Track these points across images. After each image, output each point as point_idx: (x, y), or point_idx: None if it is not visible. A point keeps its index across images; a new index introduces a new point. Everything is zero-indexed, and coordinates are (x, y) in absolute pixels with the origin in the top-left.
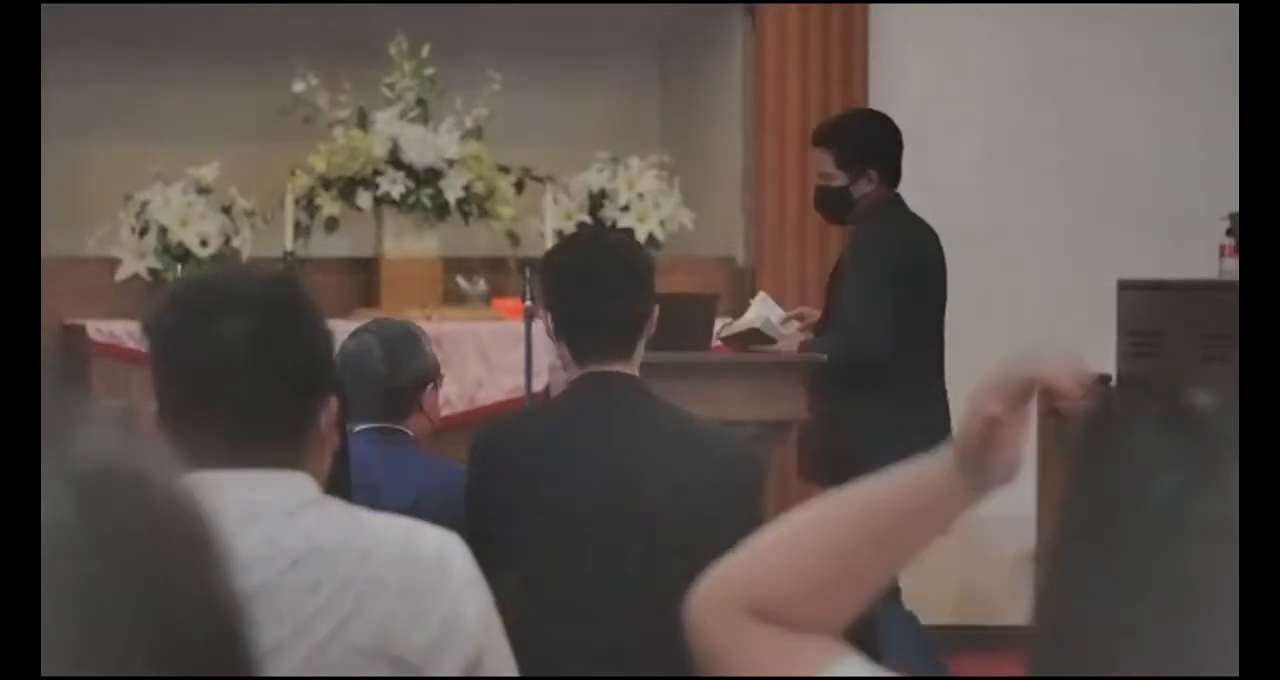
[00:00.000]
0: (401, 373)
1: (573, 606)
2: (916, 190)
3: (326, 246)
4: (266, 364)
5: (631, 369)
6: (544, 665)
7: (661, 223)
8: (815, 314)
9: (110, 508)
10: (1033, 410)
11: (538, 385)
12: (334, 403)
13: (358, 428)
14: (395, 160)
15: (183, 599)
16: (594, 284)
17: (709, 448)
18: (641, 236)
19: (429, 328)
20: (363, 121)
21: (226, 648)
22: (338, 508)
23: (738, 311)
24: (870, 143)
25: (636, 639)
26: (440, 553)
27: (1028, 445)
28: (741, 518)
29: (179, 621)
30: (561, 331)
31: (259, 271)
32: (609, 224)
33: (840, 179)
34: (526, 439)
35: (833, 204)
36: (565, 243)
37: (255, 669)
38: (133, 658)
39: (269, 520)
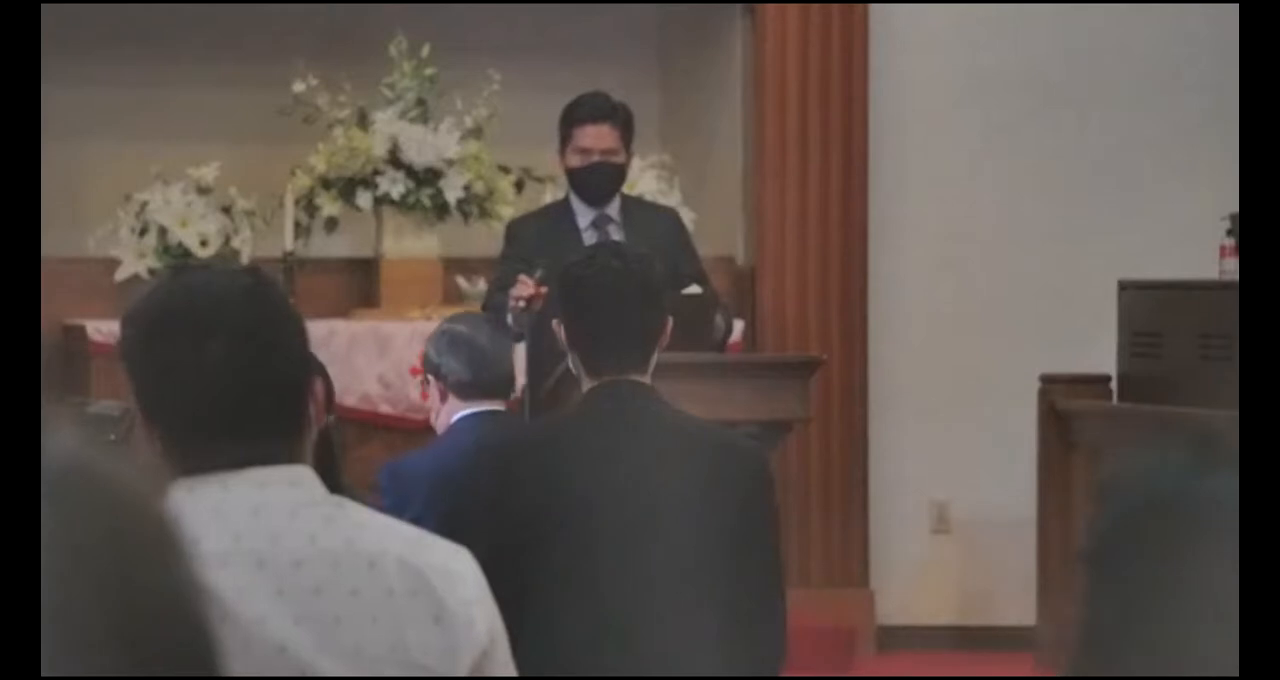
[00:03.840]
0: (510, 355)
1: (602, 613)
2: (917, 189)
3: (326, 246)
4: (248, 364)
5: (644, 378)
6: (566, 669)
7: None
8: None
9: (72, 508)
10: (1033, 409)
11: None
12: (319, 385)
13: (475, 410)
14: (395, 160)
15: (144, 598)
16: (609, 302)
17: (720, 454)
18: None
19: (429, 328)
20: (363, 121)
21: (188, 645)
22: (340, 508)
23: (739, 312)
24: (634, 129)
25: (657, 642)
26: (449, 563)
27: (1028, 447)
28: (754, 523)
29: (140, 620)
30: (575, 345)
31: (222, 269)
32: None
33: (622, 156)
34: (544, 450)
35: (616, 181)
36: (582, 258)
37: (219, 668)
38: (96, 655)
39: (272, 519)
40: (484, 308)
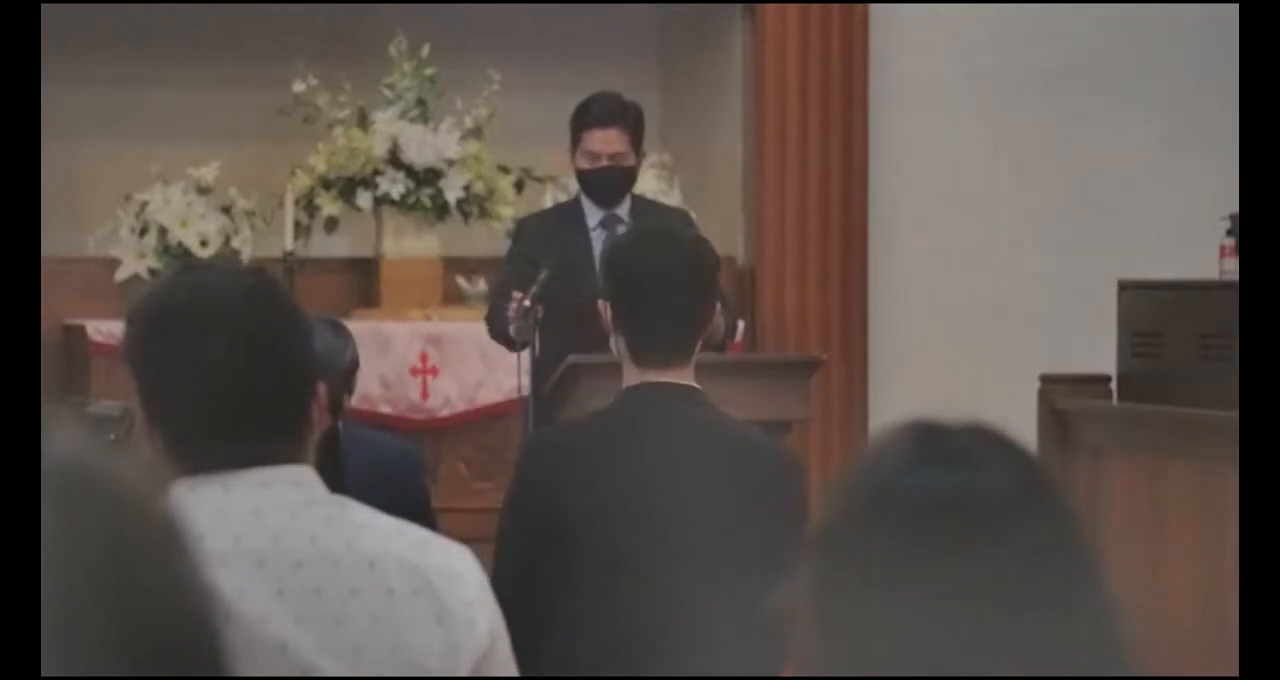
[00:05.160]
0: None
1: (627, 618)
2: (917, 190)
3: (326, 246)
4: (249, 363)
5: (687, 375)
6: (593, 671)
7: None
8: None
9: (72, 508)
10: (1033, 409)
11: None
12: (321, 388)
13: None
14: (395, 160)
15: (144, 597)
16: (660, 287)
17: (758, 460)
18: None
19: (429, 328)
20: (363, 121)
21: (194, 644)
22: (341, 509)
23: (739, 312)
24: (644, 128)
25: (685, 649)
26: (450, 563)
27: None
28: (790, 530)
29: (145, 619)
30: (621, 328)
31: (226, 268)
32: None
33: (631, 159)
34: (579, 455)
35: (625, 184)
36: (636, 239)
37: (225, 667)
38: (96, 654)
39: (273, 519)
40: (488, 308)
